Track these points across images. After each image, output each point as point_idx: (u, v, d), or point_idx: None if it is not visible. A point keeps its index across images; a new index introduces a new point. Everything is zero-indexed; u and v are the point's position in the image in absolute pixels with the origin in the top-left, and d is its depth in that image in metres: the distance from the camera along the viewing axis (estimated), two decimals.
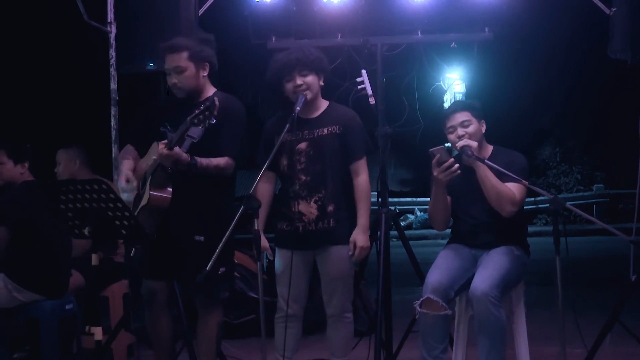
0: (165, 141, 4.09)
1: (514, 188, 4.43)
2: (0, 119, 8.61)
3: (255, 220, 3.89)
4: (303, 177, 4.46)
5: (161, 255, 4.37)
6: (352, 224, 4.48)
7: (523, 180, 4.34)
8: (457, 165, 4.36)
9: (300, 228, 4.46)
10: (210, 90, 4.52)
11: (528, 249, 4.66)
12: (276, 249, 4.59)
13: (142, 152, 4.58)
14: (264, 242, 4.30)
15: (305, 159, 4.46)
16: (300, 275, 4.49)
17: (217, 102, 3.99)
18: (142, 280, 4.54)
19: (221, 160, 4.36)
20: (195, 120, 4.00)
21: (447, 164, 4.35)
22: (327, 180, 4.46)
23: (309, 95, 4.46)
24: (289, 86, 4.47)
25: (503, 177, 4.40)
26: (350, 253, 4.45)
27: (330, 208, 4.46)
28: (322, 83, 4.55)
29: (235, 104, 4.46)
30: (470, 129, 4.56)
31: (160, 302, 4.51)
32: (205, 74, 4.49)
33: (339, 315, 4.53)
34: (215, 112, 3.98)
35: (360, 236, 4.45)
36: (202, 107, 4.00)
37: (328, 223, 4.45)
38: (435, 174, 4.39)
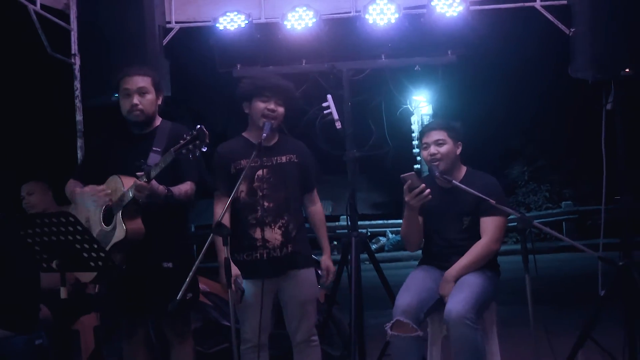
0: (142, 174, 4.06)
1: (492, 226, 4.50)
2: None
3: (225, 247, 3.87)
4: (266, 204, 4.45)
5: (133, 287, 4.32)
6: (310, 249, 4.58)
7: (503, 213, 4.42)
8: (428, 190, 4.38)
9: (264, 255, 4.44)
10: (159, 120, 4.51)
11: (498, 268, 4.68)
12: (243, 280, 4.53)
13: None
14: (235, 270, 4.28)
15: (267, 185, 4.47)
16: (266, 304, 4.46)
17: (206, 131, 3.96)
18: (114, 314, 4.49)
19: (187, 187, 4.36)
20: (184, 151, 3.97)
21: (418, 189, 4.38)
22: (290, 206, 4.49)
23: (275, 124, 4.48)
24: (260, 106, 4.47)
25: (482, 203, 4.42)
26: (323, 280, 4.48)
27: (294, 233, 4.48)
28: (287, 114, 4.60)
29: (185, 129, 4.44)
30: (444, 148, 4.59)
31: (140, 336, 4.47)
32: (160, 103, 4.50)
33: (307, 340, 4.51)
34: (207, 141, 3.95)
35: (329, 262, 4.58)
36: (188, 137, 3.96)
37: (293, 248, 4.46)
38: (407, 199, 4.43)
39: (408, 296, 4.44)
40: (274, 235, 4.44)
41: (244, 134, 4.62)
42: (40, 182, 6.14)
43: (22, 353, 4.94)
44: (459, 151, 4.66)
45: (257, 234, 4.45)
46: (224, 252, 3.91)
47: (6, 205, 5.24)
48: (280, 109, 4.50)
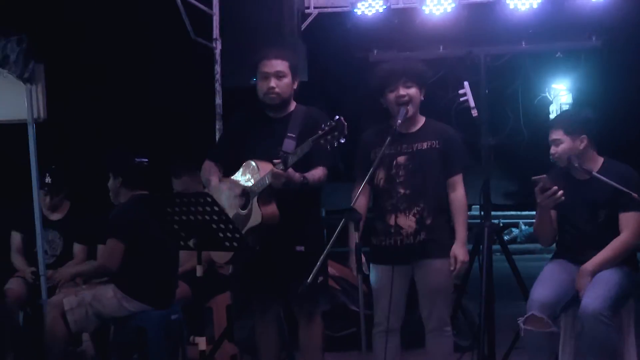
0: (279, 161, 4.12)
1: (633, 221, 4.33)
2: (109, 133, 8.92)
3: (356, 233, 3.88)
4: (402, 190, 4.43)
5: (266, 268, 4.42)
6: (449, 238, 4.44)
7: None
8: (561, 192, 4.25)
9: (399, 242, 4.43)
10: (294, 104, 4.55)
11: (637, 264, 4.50)
12: (371, 264, 4.53)
13: (226, 169, 4.59)
14: (362, 257, 4.29)
15: (405, 172, 4.43)
16: (398, 289, 4.44)
17: (345, 122, 3.97)
18: (245, 293, 4.59)
19: (320, 172, 4.39)
20: (322, 141, 4.00)
21: (550, 191, 4.26)
22: (426, 194, 4.42)
23: (411, 110, 4.43)
24: (391, 96, 4.44)
25: (620, 196, 4.26)
26: (451, 268, 4.39)
27: (429, 221, 4.42)
28: (422, 97, 4.52)
29: (323, 114, 4.46)
30: (560, 148, 4.45)
31: (271, 316, 4.57)
32: (295, 87, 4.53)
33: (439, 329, 4.46)
34: (346, 132, 3.96)
35: (460, 250, 4.41)
36: (326, 128, 3.98)
37: (426, 236, 4.41)
38: (538, 200, 4.32)
39: (544, 290, 4.33)
40: (408, 222, 4.41)
41: (390, 121, 4.54)
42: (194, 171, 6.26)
43: (159, 326, 5.16)
44: (582, 145, 4.45)
45: (392, 220, 4.43)
46: (354, 237, 3.92)
47: (149, 185, 5.43)
48: (412, 91, 4.43)
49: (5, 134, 5.90)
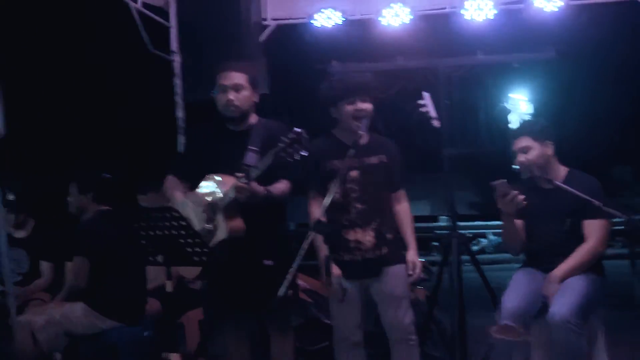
0: (242, 175, 4.10)
1: (597, 228, 4.36)
2: (69, 148, 8.83)
3: (326, 245, 3.87)
4: (359, 206, 4.42)
5: (235, 283, 4.38)
6: (403, 247, 4.49)
7: (608, 215, 4.23)
8: (521, 196, 4.27)
9: (359, 257, 4.41)
10: (255, 117, 4.54)
11: (604, 272, 4.52)
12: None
13: (190, 183, 4.54)
14: (336, 270, 4.27)
15: (359, 187, 4.43)
16: (358, 303, 4.44)
17: (306, 135, 3.96)
18: (217, 308, 4.55)
19: (284, 185, 4.37)
20: (283, 154, 3.97)
21: (510, 196, 4.27)
22: (382, 208, 4.44)
23: (367, 122, 4.43)
24: (349, 108, 4.42)
25: (586, 205, 4.25)
26: (409, 272, 4.41)
27: (389, 235, 4.44)
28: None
29: (284, 127, 4.44)
30: (530, 154, 4.46)
31: (243, 331, 4.54)
32: (256, 100, 4.52)
33: (404, 339, 4.46)
34: (307, 145, 3.95)
35: (415, 257, 4.47)
36: (287, 141, 3.96)
37: (386, 250, 4.42)
38: (499, 206, 4.34)
39: (515, 299, 4.33)
40: (366, 237, 4.42)
41: (333, 131, 4.56)
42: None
43: (130, 343, 5.10)
44: (550, 151, 4.49)
45: (351, 235, 4.42)
46: (323, 250, 3.91)
47: (114, 201, 5.37)
48: (368, 106, 4.42)
49: None
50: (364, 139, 4.44)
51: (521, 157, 4.47)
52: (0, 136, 5.49)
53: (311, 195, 4.47)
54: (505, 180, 4.32)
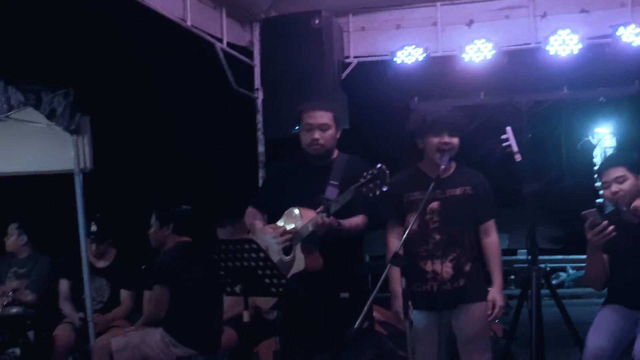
0: (321, 209, 4.14)
1: None
2: (151, 182, 9.05)
3: (403, 278, 3.86)
4: (437, 237, 4.41)
5: (311, 315, 4.40)
6: (485, 283, 4.42)
7: None
8: (611, 227, 4.18)
9: (435, 287, 4.39)
10: (336, 152, 4.57)
11: None
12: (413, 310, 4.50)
13: (269, 216, 4.63)
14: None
15: (439, 218, 4.42)
16: (435, 336, 4.40)
17: (387, 171, 3.97)
18: (292, 339, 4.58)
19: (359, 220, 4.38)
20: (364, 189, 3.99)
21: (600, 227, 4.19)
22: (462, 240, 4.40)
23: (451, 155, 4.43)
24: (434, 141, 4.43)
25: None
26: (489, 312, 4.34)
27: (467, 268, 4.39)
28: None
29: (364, 163, 4.46)
30: (626, 185, 4.37)
31: None
32: (338, 137, 4.56)
33: None
34: (387, 180, 3.96)
35: (498, 295, 4.37)
36: (368, 176, 3.98)
37: (463, 282, 4.37)
38: (588, 237, 4.25)
39: (599, 339, 4.23)
40: (444, 268, 4.39)
41: (419, 164, 4.58)
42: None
43: None
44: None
45: (428, 266, 4.41)
46: (399, 283, 3.90)
47: (193, 233, 5.49)
48: (454, 140, 4.43)
49: (52, 184, 6.01)
50: (449, 171, 4.45)
51: (615, 187, 4.38)
52: (88, 170, 5.69)
53: (390, 226, 4.49)
54: (596, 210, 4.24)
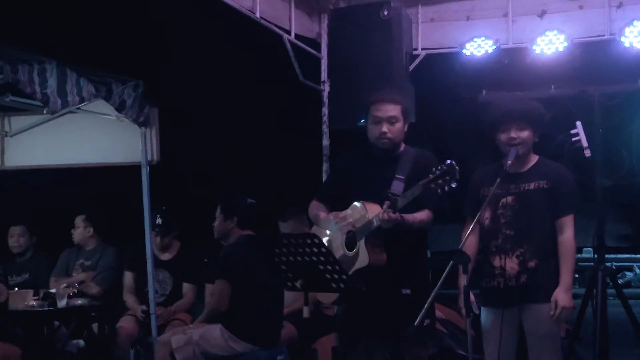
0: (388, 204, 4.08)
1: None
2: (216, 175, 9.12)
3: (464, 275, 3.80)
4: (507, 231, 4.32)
5: (372, 311, 4.37)
6: (556, 282, 4.25)
7: None
8: None
9: (501, 284, 4.29)
10: (403, 146, 4.50)
11: None
12: (481, 307, 4.42)
13: (331, 208, 4.54)
14: (471, 297, 4.18)
15: (511, 212, 4.33)
16: (508, 333, 4.29)
17: (456, 166, 3.90)
18: (351, 335, 4.55)
19: (424, 215, 4.30)
20: (433, 185, 3.94)
21: None
22: (530, 236, 4.29)
23: (521, 150, 4.33)
24: (503, 137, 4.35)
25: None
26: (551, 312, 4.21)
27: (532, 264, 4.27)
28: (536, 139, 4.40)
29: (432, 157, 4.37)
30: None
31: (378, 359, 4.51)
32: (405, 130, 4.49)
33: None
34: (457, 177, 3.90)
35: (562, 295, 4.20)
36: (438, 172, 3.93)
37: (528, 279, 4.26)
38: None
39: None
40: (510, 264, 4.30)
41: (503, 160, 4.43)
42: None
43: None
44: None
45: (497, 261, 4.33)
46: (463, 279, 3.84)
47: (257, 227, 5.50)
48: (524, 134, 4.32)
49: (119, 176, 6.09)
50: (527, 165, 4.38)
51: None
52: (155, 162, 5.75)
53: (467, 222, 4.42)
54: None
